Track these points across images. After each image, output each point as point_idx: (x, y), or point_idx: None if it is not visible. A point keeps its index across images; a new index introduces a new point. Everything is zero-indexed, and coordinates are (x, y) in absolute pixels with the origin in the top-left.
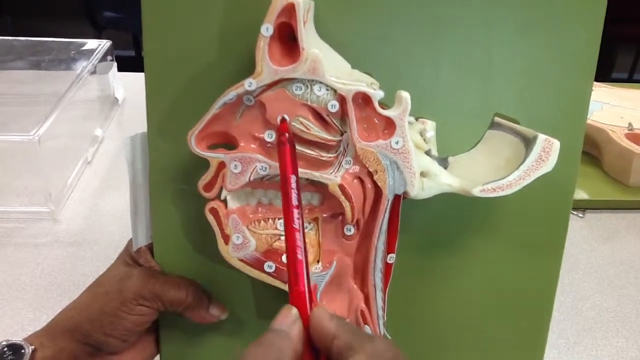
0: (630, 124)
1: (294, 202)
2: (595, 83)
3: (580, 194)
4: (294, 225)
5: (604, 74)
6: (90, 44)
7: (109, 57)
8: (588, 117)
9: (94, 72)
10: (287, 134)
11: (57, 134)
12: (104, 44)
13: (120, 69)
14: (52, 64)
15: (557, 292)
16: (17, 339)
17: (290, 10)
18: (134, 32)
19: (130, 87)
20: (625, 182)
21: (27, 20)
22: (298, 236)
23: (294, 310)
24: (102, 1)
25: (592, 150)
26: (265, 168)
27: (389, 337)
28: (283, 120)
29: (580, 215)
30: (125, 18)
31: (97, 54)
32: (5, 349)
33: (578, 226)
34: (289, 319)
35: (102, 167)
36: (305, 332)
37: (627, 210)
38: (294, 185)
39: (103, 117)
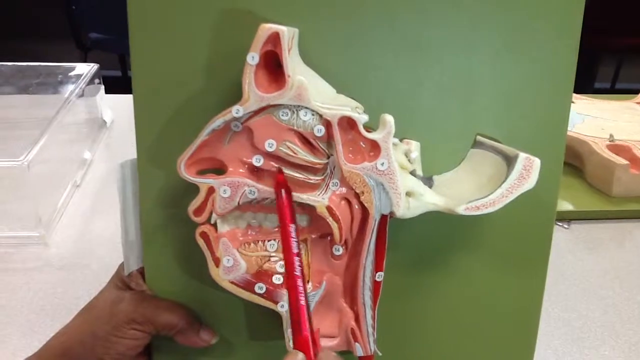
0: (611, 135)
1: (294, 250)
2: (576, 95)
3: (565, 205)
4: (295, 272)
5: (586, 85)
6: (78, 67)
7: (97, 80)
8: (570, 129)
9: (81, 95)
10: (283, 185)
11: (46, 159)
12: (92, 67)
13: (106, 89)
14: (39, 88)
15: (544, 303)
16: None
17: (275, 39)
18: (120, 53)
19: (117, 109)
20: (608, 193)
21: (12, 41)
22: (299, 282)
23: (300, 355)
24: (88, 23)
25: (575, 162)
26: (254, 192)
27: (380, 354)
28: (280, 170)
29: (566, 226)
30: (111, 39)
31: (84, 77)
32: None
33: (563, 237)
34: None
35: (91, 190)
36: None
37: (611, 220)
38: (293, 233)
39: (91, 140)
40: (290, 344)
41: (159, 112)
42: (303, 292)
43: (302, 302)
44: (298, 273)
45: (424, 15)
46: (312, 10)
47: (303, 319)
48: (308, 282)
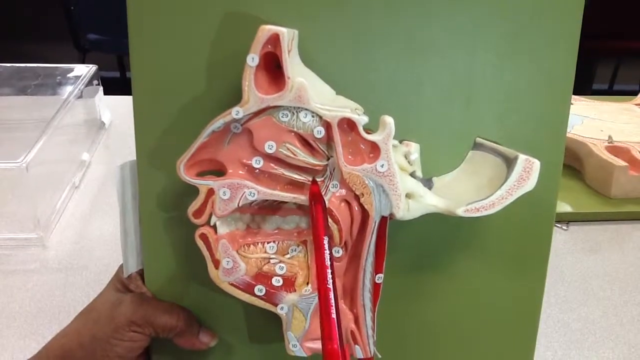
0: (610, 137)
1: (327, 262)
2: (574, 97)
3: (564, 207)
4: (327, 285)
5: (584, 87)
6: (77, 69)
7: (95, 82)
8: (569, 131)
9: (80, 97)
10: (317, 196)
11: (45, 160)
12: (90, 68)
13: (105, 90)
14: (38, 89)
15: (543, 304)
16: None
17: (275, 40)
18: (118, 54)
19: (116, 110)
20: (607, 194)
21: (11, 42)
22: (331, 295)
23: None
24: (87, 23)
25: (574, 163)
26: (254, 194)
27: (379, 356)
28: (314, 181)
29: (564, 227)
30: (109, 40)
31: (83, 78)
32: None
33: (562, 239)
34: None
35: (89, 191)
36: None
37: (610, 221)
38: (327, 246)
39: (90, 141)
40: (290, 346)
41: (158, 114)
42: (334, 304)
43: (333, 316)
44: (330, 286)
45: (424, 17)
46: (313, 11)
47: (334, 332)
48: (307, 283)
